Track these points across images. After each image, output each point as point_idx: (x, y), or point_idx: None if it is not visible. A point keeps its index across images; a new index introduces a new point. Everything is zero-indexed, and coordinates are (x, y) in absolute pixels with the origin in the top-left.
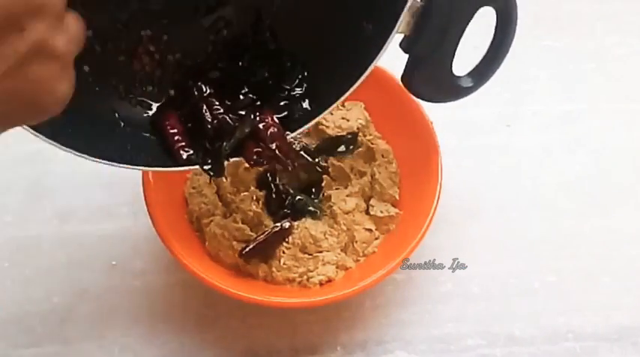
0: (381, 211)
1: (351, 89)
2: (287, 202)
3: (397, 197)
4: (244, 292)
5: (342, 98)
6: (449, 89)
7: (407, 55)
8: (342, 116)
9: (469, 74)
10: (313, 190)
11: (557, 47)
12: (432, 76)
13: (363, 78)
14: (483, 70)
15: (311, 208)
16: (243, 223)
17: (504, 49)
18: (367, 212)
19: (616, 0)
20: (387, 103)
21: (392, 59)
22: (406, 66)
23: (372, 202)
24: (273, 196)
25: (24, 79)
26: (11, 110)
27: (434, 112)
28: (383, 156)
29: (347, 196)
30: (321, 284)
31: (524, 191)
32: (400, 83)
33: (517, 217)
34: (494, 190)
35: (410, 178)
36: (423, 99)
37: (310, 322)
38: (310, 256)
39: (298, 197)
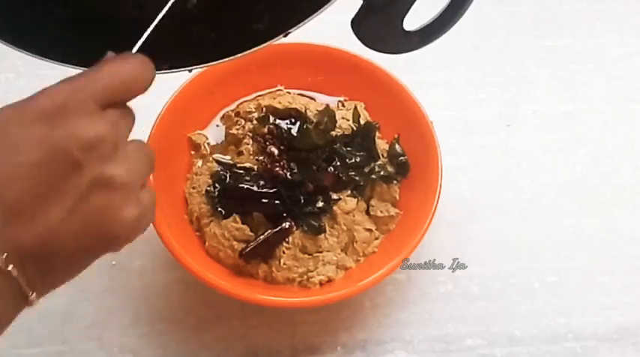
0: (381, 211)
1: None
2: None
3: (397, 197)
4: (244, 292)
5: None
6: (395, 42)
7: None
8: (342, 116)
9: (418, 32)
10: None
11: (557, 47)
12: (382, 26)
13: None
14: (433, 31)
15: (314, 223)
16: (243, 223)
17: (459, 13)
18: (367, 212)
19: (616, 0)
20: (387, 103)
21: (392, 59)
22: (359, 10)
23: (372, 202)
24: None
25: (89, 212)
26: (87, 244)
27: (434, 112)
28: (383, 156)
29: (347, 196)
30: (321, 284)
31: (524, 191)
32: (401, 83)
33: (517, 217)
34: (495, 190)
35: (410, 178)
36: (366, 45)
37: (310, 322)
38: (310, 256)
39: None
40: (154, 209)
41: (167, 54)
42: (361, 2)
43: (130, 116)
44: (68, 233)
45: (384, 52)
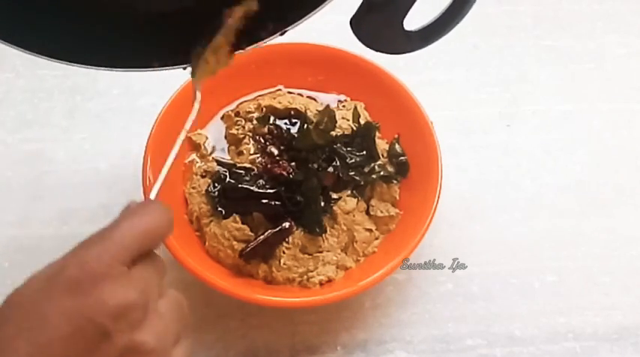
0: (381, 211)
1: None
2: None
3: (397, 197)
4: (244, 292)
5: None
6: (395, 42)
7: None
8: (342, 116)
9: (419, 32)
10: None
11: (557, 47)
12: (381, 25)
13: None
14: (433, 32)
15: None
16: (243, 223)
17: (461, 14)
18: (367, 212)
19: (616, 0)
20: (387, 103)
21: (392, 59)
22: (358, 8)
23: (372, 202)
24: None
25: None
26: None
27: (434, 112)
28: (383, 156)
29: (347, 196)
30: (321, 284)
31: (524, 191)
32: (401, 83)
33: (517, 217)
34: (495, 190)
35: (410, 178)
36: (365, 44)
37: (310, 322)
38: (310, 256)
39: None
40: None
41: (163, 51)
42: (361, 1)
43: (159, 267)
44: None
45: (383, 52)
